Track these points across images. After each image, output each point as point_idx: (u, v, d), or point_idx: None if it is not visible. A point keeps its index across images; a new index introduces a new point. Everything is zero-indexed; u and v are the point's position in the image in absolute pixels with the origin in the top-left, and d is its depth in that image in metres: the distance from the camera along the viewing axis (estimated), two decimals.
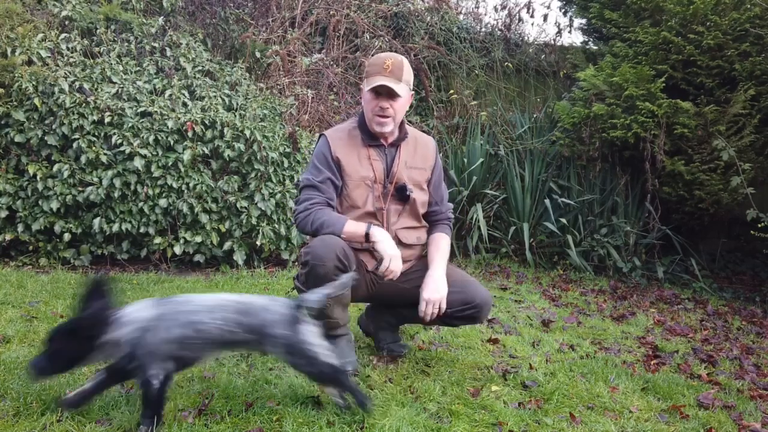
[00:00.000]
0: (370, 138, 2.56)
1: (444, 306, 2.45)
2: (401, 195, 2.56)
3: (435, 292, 2.45)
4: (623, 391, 2.57)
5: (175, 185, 4.15)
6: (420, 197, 2.63)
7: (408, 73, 2.51)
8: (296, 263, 4.53)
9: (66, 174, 4.04)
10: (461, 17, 7.20)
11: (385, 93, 2.47)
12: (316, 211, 2.46)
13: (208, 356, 2.05)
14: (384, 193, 2.56)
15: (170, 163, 4.15)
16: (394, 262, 2.39)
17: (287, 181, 4.46)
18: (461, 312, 2.53)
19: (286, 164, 4.49)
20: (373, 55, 5.91)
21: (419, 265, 2.63)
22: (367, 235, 2.42)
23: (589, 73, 5.23)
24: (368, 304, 2.93)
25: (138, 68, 4.63)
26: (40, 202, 4.07)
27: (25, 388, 2.08)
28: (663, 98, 4.82)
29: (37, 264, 4.11)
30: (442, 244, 2.64)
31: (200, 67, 4.82)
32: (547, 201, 5.49)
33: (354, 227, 2.43)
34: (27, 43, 4.27)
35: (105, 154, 4.08)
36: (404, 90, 2.49)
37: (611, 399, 2.45)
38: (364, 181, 2.53)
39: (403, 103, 2.54)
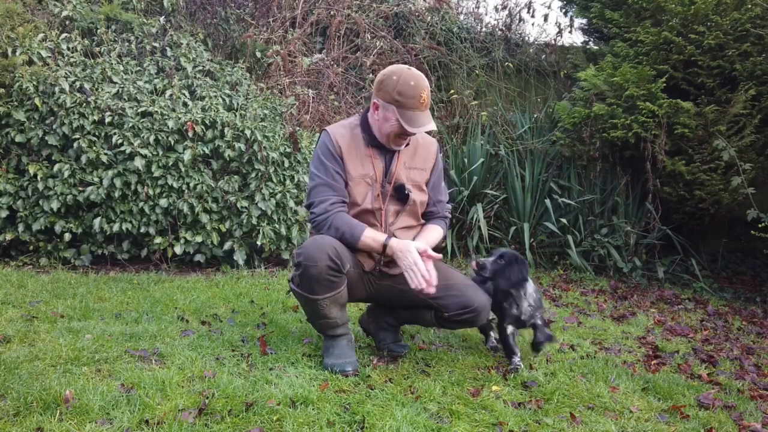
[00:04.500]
0: (372, 138, 2.56)
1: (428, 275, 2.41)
2: (400, 195, 2.56)
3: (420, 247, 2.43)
4: (623, 391, 2.57)
5: (175, 185, 4.15)
6: (419, 197, 2.62)
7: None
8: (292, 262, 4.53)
9: (66, 174, 4.04)
10: (462, 17, 7.20)
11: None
12: (335, 216, 2.46)
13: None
14: (383, 193, 2.56)
15: (171, 163, 4.16)
16: (417, 275, 2.36)
17: (288, 181, 4.46)
18: (459, 316, 2.54)
19: (286, 164, 4.49)
20: (374, 55, 5.93)
21: None
22: (384, 247, 2.43)
23: (589, 73, 5.23)
24: (369, 304, 2.93)
25: (138, 68, 4.63)
26: (40, 202, 4.07)
27: (26, 388, 2.08)
28: (663, 98, 4.82)
29: (38, 264, 4.11)
30: (429, 229, 2.66)
31: (201, 67, 4.82)
32: (547, 201, 5.49)
33: (371, 241, 2.44)
34: (27, 43, 4.27)
35: (105, 153, 4.08)
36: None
37: (611, 399, 2.45)
38: (364, 179, 2.53)
39: None
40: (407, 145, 2.60)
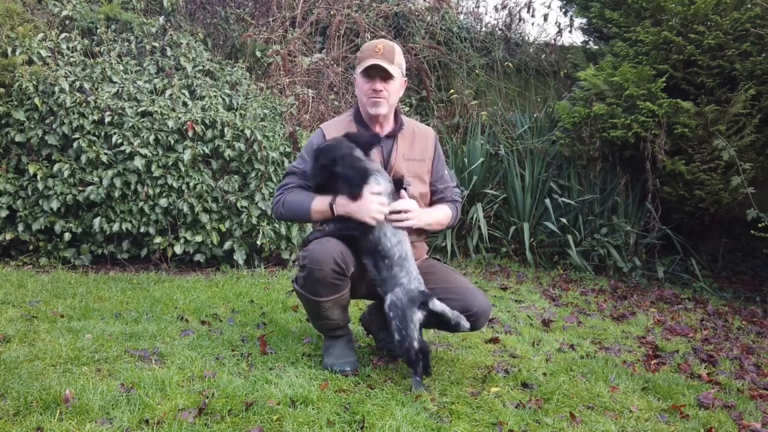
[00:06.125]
0: (366, 129, 2.57)
1: (413, 223, 2.43)
2: (399, 188, 2.55)
3: (417, 210, 2.44)
4: (623, 390, 2.57)
5: (175, 185, 4.15)
6: (420, 189, 2.60)
7: (399, 57, 2.53)
8: (296, 263, 4.53)
9: (66, 173, 4.04)
10: (462, 17, 7.20)
11: (377, 74, 2.47)
12: (287, 194, 2.50)
13: None
14: None
15: (170, 163, 4.15)
16: (369, 213, 2.33)
17: None
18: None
19: (286, 164, 4.48)
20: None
21: (422, 268, 2.61)
22: (331, 208, 2.41)
23: (589, 73, 5.23)
24: (371, 302, 2.92)
25: (138, 68, 4.63)
26: (40, 202, 4.07)
27: (26, 388, 2.08)
28: (663, 98, 4.82)
29: (38, 263, 4.11)
30: (437, 207, 2.64)
31: (200, 67, 4.82)
32: (547, 201, 5.49)
33: (320, 206, 2.43)
34: (27, 43, 4.27)
35: (105, 153, 4.08)
36: (397, 72, 2.50)
37: (611, 399, 2.45)
38: None
39: (397, 87, 2.54)
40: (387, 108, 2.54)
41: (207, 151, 4.26)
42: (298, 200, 2.47)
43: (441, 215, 2.63)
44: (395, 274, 2.36)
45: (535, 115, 6.19)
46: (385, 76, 2.47)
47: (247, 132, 4.28)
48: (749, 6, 4.83)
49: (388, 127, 2.61)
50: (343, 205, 2.38)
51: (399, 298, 2.33)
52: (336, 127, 2.59)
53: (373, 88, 2.48)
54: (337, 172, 2.36)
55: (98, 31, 4.72)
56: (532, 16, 10.34)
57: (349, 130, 2.56)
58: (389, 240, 2.38)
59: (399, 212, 2.41)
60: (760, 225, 4.45)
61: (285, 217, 2.53)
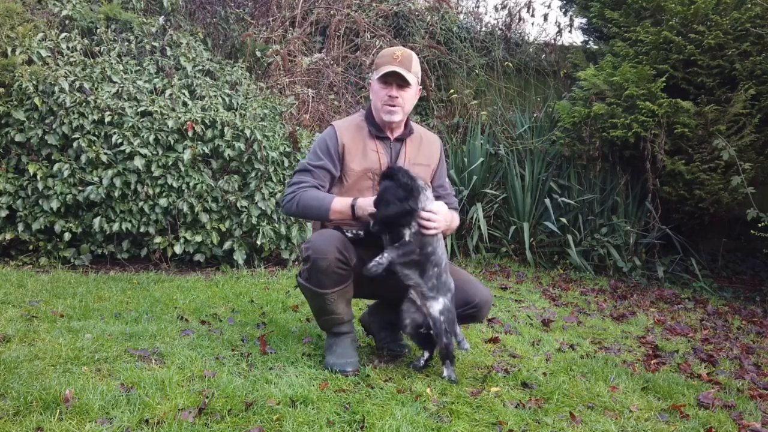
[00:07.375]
0: (377, 130, 2.59)
1: (443, 229, 2.45)
2: None
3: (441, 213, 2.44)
4: (623, 390, 2.57)
5: (175, 185, 4.15)
6: None
7: (417, 65, 2.56)
8: (296, 262, 4.53)
9: (66, 173, 4.04)
10: (461, 17, 7.19)
11: (395, 81, 2.50)
12: (302, 192, 2.50)
13: None
14: None
15: (170, 163, 4.15)
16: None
17: (287, 181, 4.46)
18: (461, 311, 2.54)
19: (286, 164, 4.49)
20: (373, 54, 5.93)
21: None
22: (352, 209, 2.42)
23: (589, 73, 5.23)
24: (371, 302, 2.93)
25: (138, 68, 4.63)
26: (40, 202, 4.07)
27: (26, 388, 2.07)
28: (663, 98, 4.82)
29: (38, 263, 4.11)
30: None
31: (200, 67, 4.82)
32: (547, 200, 5.49)
33: (340, 206, 2.44)
34: (27, 43, 4.27)
35: (105, 153, 4.08)
36: (413, 80, 2.53)
37: (611, 398, 2.45)
38: (366, 173, 2.55)
39: (412, 94, 2.57)
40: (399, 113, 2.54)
41: (207, 150, 4.26)
42: (317, 200, 2.46)
43: (454, 221, 2.66)
44: (445, 281, 2.45)
45: (535, 115, 6.19)
46: (402, 83, 2.50)
47: (247, 132, 4.28)
48: (749, 6, 4.83)
49: (398, 132, 2.64)
50: (365, 207, 2.40)
51: (450, 301, 2.44)
52: (348, 125, 2.62)
53: (389, 94, 2.51)
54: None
55: (98, 30, 4.72)
56: (532, 16, 10.38)
57: (359, 130, 2.59)
58: (440, 246, 2.45)
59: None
60: (760, 225, 4.45)
61: (297, 214, 2.54)
